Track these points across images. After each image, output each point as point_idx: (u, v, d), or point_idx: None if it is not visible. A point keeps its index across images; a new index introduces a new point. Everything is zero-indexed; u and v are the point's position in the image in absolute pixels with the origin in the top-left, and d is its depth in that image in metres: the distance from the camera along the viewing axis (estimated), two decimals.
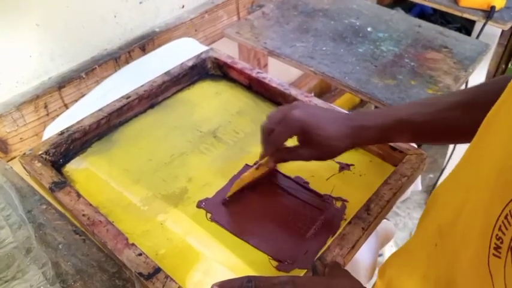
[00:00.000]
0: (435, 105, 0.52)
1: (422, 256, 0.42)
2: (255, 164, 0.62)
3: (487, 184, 0.32)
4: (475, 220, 0.33)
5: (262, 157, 0.60)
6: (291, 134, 0.55)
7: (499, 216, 0.29)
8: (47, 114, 0.85)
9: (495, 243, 0.29)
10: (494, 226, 0.29)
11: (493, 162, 0.32)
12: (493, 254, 0.29)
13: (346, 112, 0.60)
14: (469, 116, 0.50)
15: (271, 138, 0.56)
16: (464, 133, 0.54)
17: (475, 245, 0.32)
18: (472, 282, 0.32)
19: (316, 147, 0.54)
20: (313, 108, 0.58)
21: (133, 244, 0.54)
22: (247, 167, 0.67)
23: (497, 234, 0.29)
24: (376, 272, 0.66)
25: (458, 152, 1.24)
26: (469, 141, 0.39)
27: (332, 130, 0.53)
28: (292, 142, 0.57)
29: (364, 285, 0.42)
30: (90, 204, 0.59)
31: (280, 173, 0.66)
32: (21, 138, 0.83)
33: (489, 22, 1.09)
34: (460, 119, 0.50)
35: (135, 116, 0.77)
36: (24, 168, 0.65)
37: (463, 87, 1.09)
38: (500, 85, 0.49)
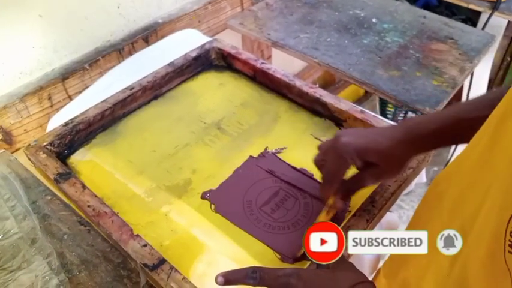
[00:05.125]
0: (478, 103, 0.49)
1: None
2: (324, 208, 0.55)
3: (502, 184, 0.32)
4: (490, 219, 0.33)
5: (325, 199, 0.54)
6: (347, 163, 0.51)
7: None
8: (51, 106, 0.85)
9: (510, 240, 0.29)
10: (508, 224, 0.29)
11: (508, 162, 0.32)
12: (509, 252, 0.29)
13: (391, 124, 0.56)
14: None
15: (329, 176, 0.53)
16: None
17: (488, 244, 0.32)
18: (487, 281, 0.32)
19: (380, 163, 0.50)
20: (357, 130, 0.54)
21: (138, 235, 0.54)
22: (251, 158, 0.67)
23: (511, 232, 0.29)
24: (380, 264, 0.66)
25: (461, 145, 1.23)
26: None
27: (387, 140, 0.49)
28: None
29: (368, 278, 0.42)
30: (95, 196, 0.59)
31: (286, 163, 0.66)
32: (25, 130, 0.83)
33: (495, 13, 1.08)
34: None
35: (139, 107, 0.77)
36: (29, 159, 0.65)
37: (468, 78, 1.09)
38: None
